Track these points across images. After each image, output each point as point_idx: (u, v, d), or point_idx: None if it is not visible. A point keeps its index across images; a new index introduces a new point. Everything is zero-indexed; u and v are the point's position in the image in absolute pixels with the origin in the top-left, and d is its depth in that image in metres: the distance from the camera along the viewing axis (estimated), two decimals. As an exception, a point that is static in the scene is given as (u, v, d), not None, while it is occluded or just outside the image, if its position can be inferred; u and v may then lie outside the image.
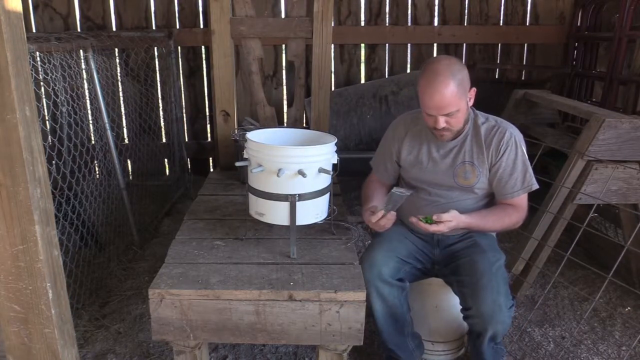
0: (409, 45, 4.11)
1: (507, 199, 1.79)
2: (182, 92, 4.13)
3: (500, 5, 4.05)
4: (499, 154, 1.76)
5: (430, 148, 1.86)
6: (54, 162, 2.19)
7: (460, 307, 1.74)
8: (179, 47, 4.01)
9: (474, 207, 1.84)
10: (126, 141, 3.79)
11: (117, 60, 3.65)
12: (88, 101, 2.95)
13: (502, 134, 1.76)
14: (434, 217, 1.67)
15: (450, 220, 1.67)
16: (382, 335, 1.84)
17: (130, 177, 3.88)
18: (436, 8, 4.04)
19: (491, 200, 1.89)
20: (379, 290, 1.73)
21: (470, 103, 1.76)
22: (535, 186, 1.80)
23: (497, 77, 4.12)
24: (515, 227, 1.82)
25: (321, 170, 1.69)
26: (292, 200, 1.66)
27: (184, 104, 4.17)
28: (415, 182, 1.91)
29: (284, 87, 4.20)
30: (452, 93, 1.63)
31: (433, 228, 1.68)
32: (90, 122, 3.07)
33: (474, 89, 1.75)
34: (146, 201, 3.46)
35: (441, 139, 1.81)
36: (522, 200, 1.80)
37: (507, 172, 1.77)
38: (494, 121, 1.82)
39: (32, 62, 2.15)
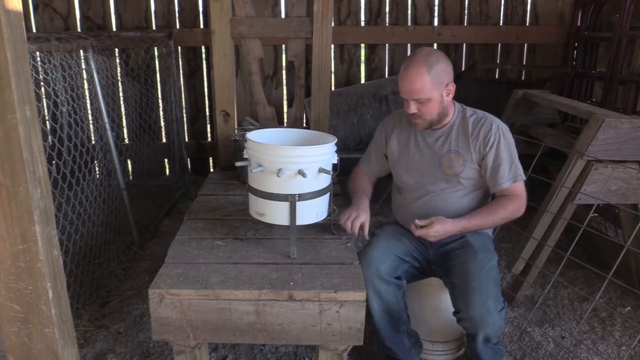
0: (408, 45, 4.11)
1: (498, 189, 1.81)
2: (182, 92, 4.13)
3: (500, 5, 4.05)
4: (487, 145, 1.79)
5: (417, 138, 1.91)
6: (54, 162, 2.19)
7: (453, 310, 1.75)
8: (179, 47, 4.02)
9: (463, 199, 1.85)
10: (126, 141, 3.80)
11: (117, 60, 3.65)
12: (88, 101, 2.95)
13: (489, 126, 1.80)
14: (417, 222, 1.73)
15: (431, 224, 1.70)
16: (379, 333, 1.84)
17: (130, 177, 3.88)
18: (436, 8, 4.04)
19: (481, 194, 1.89)
20: (376, 287, 1.73)
21: (448, 98, 1.79)
22: (522, 177, 1.81)
23: (497, 77, 4.12)
24: (516, 217, 1.81)
25: (321, 170, 1.69)
26: (292, 200, 1.66)
27: (184, 104, 4.17)
28: (404, 174, 1.93)
29: (284, 87, 4.20)
30: (423, 80, 1.70)
31: (418, 232, 1.73)
32: (90, 122, 3.07)
33: (452, 85, 1.78)
34: (146, 201, 3.46)
35: (415, 128, 1.86)
36: (516, 188, 1.80)
37: (497, 162, 1.79)
38: (482, 114, 1.86)
39: (32, 62, 2.15)
